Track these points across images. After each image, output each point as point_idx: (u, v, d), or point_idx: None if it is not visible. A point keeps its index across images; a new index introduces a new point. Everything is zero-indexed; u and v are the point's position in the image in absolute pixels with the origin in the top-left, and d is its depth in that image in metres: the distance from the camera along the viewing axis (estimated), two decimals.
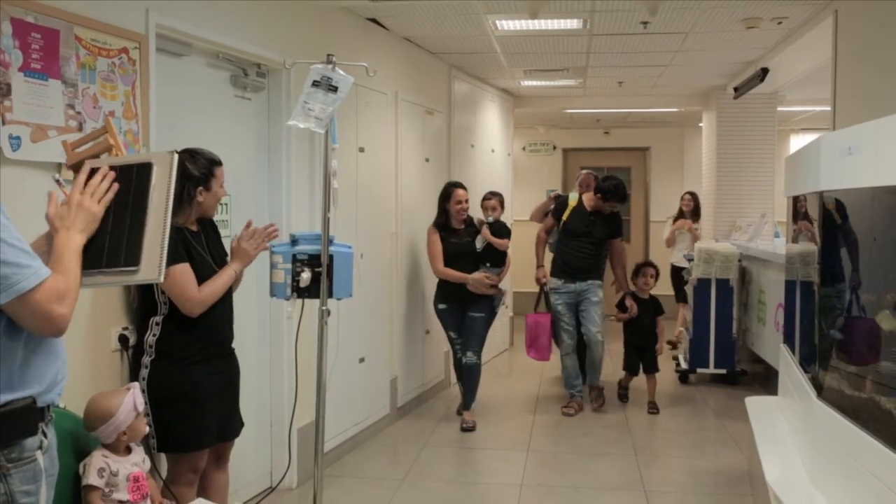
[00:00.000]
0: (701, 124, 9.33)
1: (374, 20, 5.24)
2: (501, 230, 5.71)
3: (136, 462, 2.72)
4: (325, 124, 2.77)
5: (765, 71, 6.43)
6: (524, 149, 11.54)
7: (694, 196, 8.52)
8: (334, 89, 2.74)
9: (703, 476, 4.61)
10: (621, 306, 6.17)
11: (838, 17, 4.55)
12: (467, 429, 5.51)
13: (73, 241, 1.88)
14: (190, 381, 2.94)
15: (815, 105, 8.92)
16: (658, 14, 4.85)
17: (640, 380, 6.31)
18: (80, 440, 2.67)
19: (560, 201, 6.33)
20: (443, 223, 5.65)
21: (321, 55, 3.60)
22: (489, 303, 5.67)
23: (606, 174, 6.33)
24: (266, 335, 4.20)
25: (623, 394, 6.40)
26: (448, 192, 5.65)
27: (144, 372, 2.92)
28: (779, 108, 8.21)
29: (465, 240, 5.63)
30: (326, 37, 4.68)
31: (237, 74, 4.00)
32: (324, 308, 2.93)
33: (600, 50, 6.21)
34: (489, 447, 5.25)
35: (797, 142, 10.76)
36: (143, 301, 3.00)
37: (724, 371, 6.93)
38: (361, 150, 5.05)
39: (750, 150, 8.03)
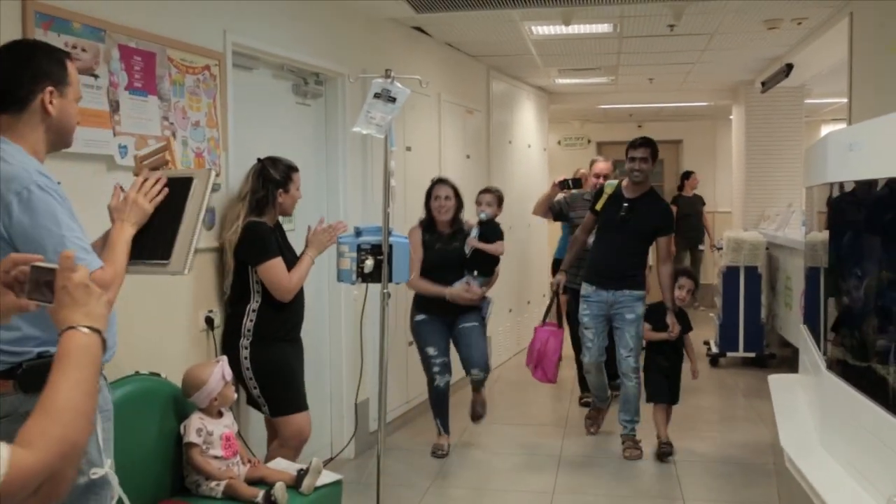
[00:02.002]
0: (731, 117, 9.62)
1: (418, 28, 5.66)
2: (493, 231, 4.95)
3: (227, 424, 3.16)
4: (385, 130, 3.19)
5: (789, 67, 6.73)
6: (559, 143, 11.90)
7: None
8: (393, 100, 3.15)
9: (729, 448, 4.97)
10: (655, 320, 4.89)
11: (853, 19, 4.86)
12: (480, 416, 5.13)
13: (126, 233, 2.24)
14: (284, 356, 3.48)
15: (842, 97, 9.13)
16: (683, 18, 5.20)
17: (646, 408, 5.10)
18: (179, 406, 3.12)
19: (575, 186, 5.56)
20: (428, 225, 4.86)
21: (372, 62, 4.02)
22: (478, 311, 4.94)
23: None
24: (325, 320, 4.64)
25: (666, 451, 4.85)
26: (430, 189, 4.88)
27: (245, 353, 3.42)
28: (807, 101, 8.47)
29: (452, 245, 4.83)
30: (376, 45, 5.11)
31: (298, 83, 4.44)
32: (385, 291, 3.36)
33: (630, 50, 6.56)
34: (530, 423, 5.65)
35: (828, 131, 10.97)
36: (237, 289, 3.48)
37: (752, 354, 7.25)
38: (408, 149, 5.47)
39: (778, 142, 8.31)
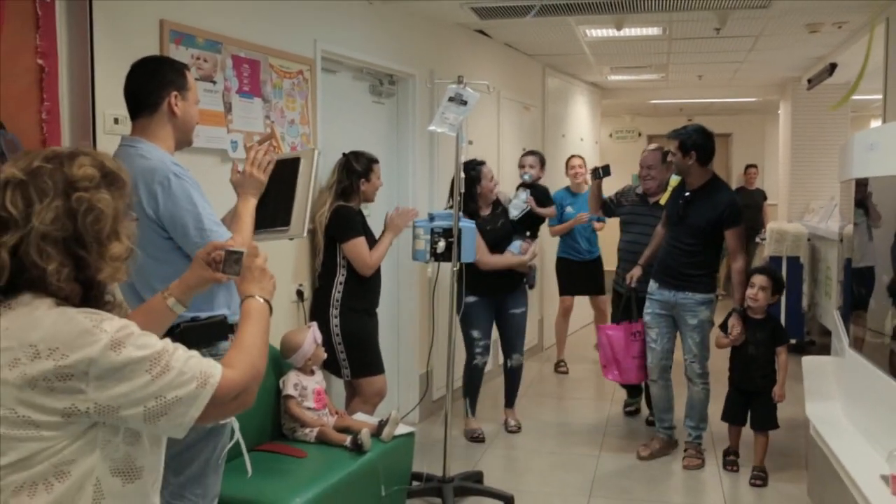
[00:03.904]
0: (779, 112, 9.89)
1: (480, 31, 6.12)
2: (545, 195, 5.12)
3: (318, 381, 3.69)
4: (456, 129, 3.67)
5: (833, 66, 7.03)
6: (611, 136, 12.25)
7: None
8: (464, 103, 3.63)
9: None
10: (724, 326, 4.48)
11: (889, 23, 5.18)
12: (515, 429, 5.18)
13: (249, 204, 2.63)
14: (366, 325, 4.01)
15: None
16: (728, 22, 5.57)
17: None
18: (278, 365, 3.66)
19: (605, 174, 5.18)
20: (466, 207, 4.59)
21: (439, 63, 4.48)
22: (525, 293, 5.07)
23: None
24: (396, 297, 5.15)
25: (732, 460, 4.58)
26: (477, 173, 4.80)
27: (336, 321, 3.95)
28: (855, 97, 8.70)
29: (498, 223, 4.90)
30: (443, 48, 5.59)
31: (374, 84, 4.94)
32: (455, 269, 3.86)
33: (679, 50, 6.93)
34: (578, 396, 6.08)
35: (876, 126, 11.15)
36: (327, 265, 4.01)
37: (794, 341, 7.57)
38: (470, 142, 5.94)
39: (824, 137, 8.57)
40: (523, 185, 5.12)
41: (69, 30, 2.84)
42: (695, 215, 4.41)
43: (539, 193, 5.07)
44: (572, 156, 6.86)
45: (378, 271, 4.07)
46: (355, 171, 4.01)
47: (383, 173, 5.01)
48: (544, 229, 5.91)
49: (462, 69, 5.48)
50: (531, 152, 5.42)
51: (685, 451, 4.65)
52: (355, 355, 3.98)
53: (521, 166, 5.28)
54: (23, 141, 2.65)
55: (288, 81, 3.98)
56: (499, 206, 4.96)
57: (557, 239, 6.66)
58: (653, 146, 5.35)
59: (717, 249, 4.52)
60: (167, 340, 1.53)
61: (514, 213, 4.88)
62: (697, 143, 4.39)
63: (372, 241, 4.04)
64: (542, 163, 5.30)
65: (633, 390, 5.57)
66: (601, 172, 5.18)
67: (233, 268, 1.90)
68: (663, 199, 4.79)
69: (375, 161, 4.12)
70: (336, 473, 3.22)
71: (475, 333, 4.92)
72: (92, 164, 1.54)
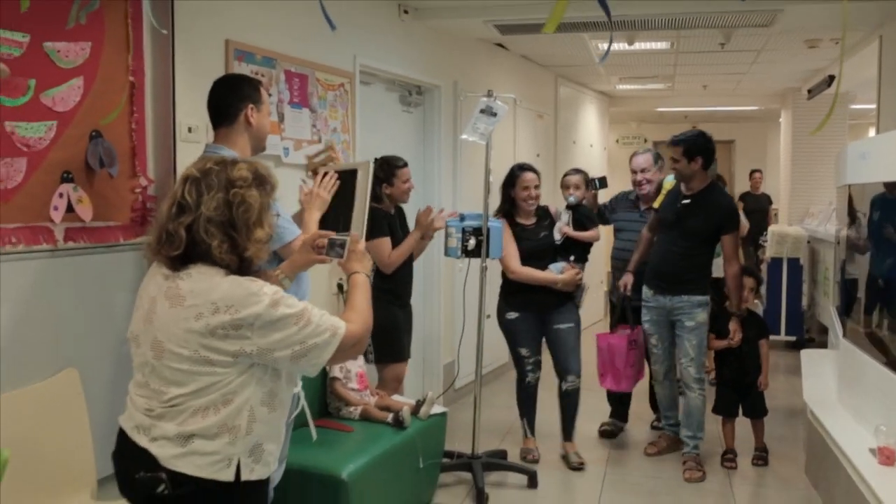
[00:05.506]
0: (780, 120, 10.28)
1: (499, 44, 6.51)
2: (586, 215, 4.79)
3: (360, 364, 4.07)
4: (486, 138, 4.06)
5: (832, 77, 7.40)
6: (617, 141, 12.64)
7: None
8: (494, 114, 4.02)
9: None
10: (718, 329, 4.63)
11: (882, 42, 5.57)
12: (579, 467, 4.66)
13: (314, 217, 3.02)
14: (394, 317, 4.30)
15: None
16: (732, 38, 5.96)
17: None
18: None
19: (601, 186, 5.13)
20: (507, 214, 4.66)
21: (462, 74, 4.87)
22: (574, 309, 4.71)
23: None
24: (422, 292, 5.53)
25: (731, 458, 4.74)
26: (513, 176, 4.65)
27: None
28: (854, 106, 9.09)
29: (540, 235, 4.65)
30: (464, 60, 5.99)
31: (404, 94, 5.34)
32: (483, 265, 4.24)
33: (685, 63, 7.33)
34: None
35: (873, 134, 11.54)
36: None
37: (793, 338, 7.96)
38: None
39: (823, 145, 8.93)
40: (567, 207, 4.76)
41: (154, 50, 3.23)
42: (694, 219, 4.44)
43: (581, 216, 4.75)
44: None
45: (407, 265, 4.37)
46: (377, 176, 4.22)
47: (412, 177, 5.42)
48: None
49: (483, 80, 5.91)
50: (575, 170, 4.98)
51: (684, 462, 4.60)
52: (379, 342, 4.22)
53: (566, 187, 4.87)
54: (116, 148, 3.04)
55: (331, 93, 4.37)
56: (546, 219, 4.71)
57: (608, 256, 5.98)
58: (643, 149, 5.33)
59: (711, 252, 4.58)
60: (306, 302, 2.01)
61: (557, 236, 4.66)
62: (702, 148, 4.45)
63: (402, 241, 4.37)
64: (588, 181, 4.95)
65: (620, 410, 5.34)
66: (597, 184, 5.12)
67: (336, 252, 2.35)
68: (657, 203, 4.79)
69: (399, 165, 4.31)
70: (381, 446, 3.61)
71: (523, 351, 4.71)
72: (247, 169, 2.03)
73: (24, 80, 2.69)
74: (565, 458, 4.75)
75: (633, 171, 5.05)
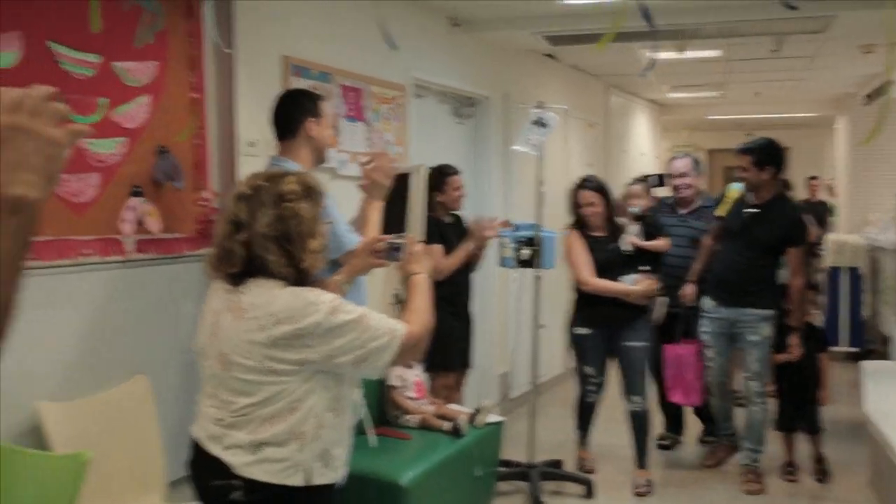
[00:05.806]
0: (835, 126, 10.10)
1: (548, 55, 6.54)
2: (654, 226, 4.59)
3: (417, 374, 4.12)
4: (538, 149, 4.10)
5: (890, 83, 7.27)
6: (669, 151, 12.53)
7: None
8: (544, 125, 4.05)
9: (830, 424, 5.53)
10: (778, 343, 4.45)
11: None
12: (644, 491, 4.48)
13: (376, 206, 2.97)
14: (448, 328, 4.31)
15: None
16: (784, 45, 5.90)
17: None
18: None
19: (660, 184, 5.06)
20: (580, 227, 4.53)
21: (513, 85, 4.91)
22: (646, 326, 4.53)
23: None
24: (476, 302, 5.55)
25: (791, 471, 4.68)
26: (575, 193, 4.54)
27: None
28: None
29: (610, 246, 4.46)
30: (515, 71, 6.03)
31: (456, 106, 5.41)
32: (537, 276, 4.26)
33: (737, 70, 7.27)
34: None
35: None
36: None
37: (855, 349, 7.79)
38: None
39: (882, 151, 8.75)
40: (634, 218, 4.58)
41: (215, 67, 3.34)
42: (761, 230, 4.31)
43: (648, 225, 4.56)
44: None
45: (464, 274, 4.41)
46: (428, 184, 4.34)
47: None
48: None
49: (533, 91, 5.94)
50: (639, 180, 4.97)
51: (742, 474, 4.56)
52: (430, 351, 4.28)
53: (628, 196, 4.83)
54: (181, 162, 3.15)
55: (385, 106, 4.44)
56: (616, 229, 4.53)
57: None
58: (681, 153, 5.31)
59: (776, 264, 4.45)
60: (364, 307, 2.05)
61: (624, 246, 4.48)
62: (773, 157, 4.33)
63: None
64: (660, 179, 5.04)
65: (675, 422, 5.28)
66: (658, 181, 5.15)
67: (394, 255, 2.38)
68: (722, 211, 4.59)
69: (449, 174, 4.35)
70: (438, 454, 3.64)
71: (588, 370, 4.57)
72: (297, 182, 2.07)
73: (94, 98, 2.80)
74: (634, 482, 4.54)
75: (673, 176, 5.04)
